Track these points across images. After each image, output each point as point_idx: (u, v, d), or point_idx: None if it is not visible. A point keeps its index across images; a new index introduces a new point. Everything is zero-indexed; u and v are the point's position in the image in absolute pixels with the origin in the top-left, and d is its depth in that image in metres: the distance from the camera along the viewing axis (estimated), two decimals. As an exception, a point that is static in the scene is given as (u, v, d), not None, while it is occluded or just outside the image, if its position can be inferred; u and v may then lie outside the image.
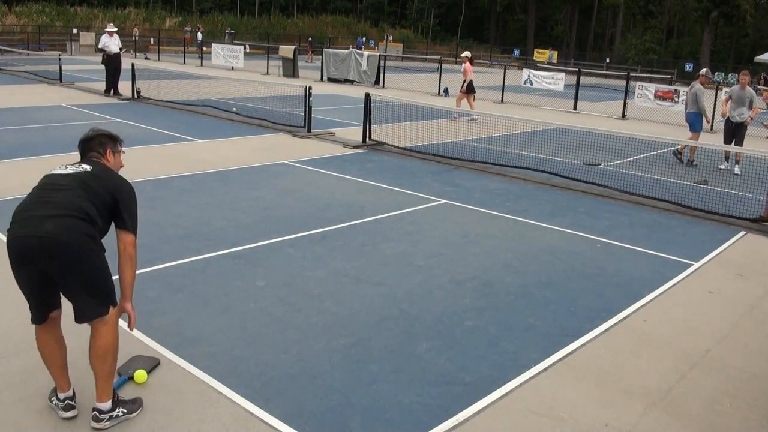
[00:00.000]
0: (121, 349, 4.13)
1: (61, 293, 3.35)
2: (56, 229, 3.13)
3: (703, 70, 13.33)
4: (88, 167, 3.47)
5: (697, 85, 12.72)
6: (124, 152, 3.79)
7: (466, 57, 17.52)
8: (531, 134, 14.77)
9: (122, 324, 4.51)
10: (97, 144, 3.65)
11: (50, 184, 3.36)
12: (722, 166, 11.98)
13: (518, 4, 68.61)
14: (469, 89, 17.01)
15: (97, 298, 3.29)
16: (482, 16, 72.69)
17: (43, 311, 3.35)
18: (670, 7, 64.87)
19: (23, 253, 3.18)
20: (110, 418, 3.36)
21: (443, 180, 9.71)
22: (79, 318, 3.31)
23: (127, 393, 3.69)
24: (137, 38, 38.29)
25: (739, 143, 11.66)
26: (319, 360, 4.20)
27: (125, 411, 3.43)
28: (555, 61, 46.07)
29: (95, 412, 3.34)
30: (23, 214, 3.23)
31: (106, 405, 3.35)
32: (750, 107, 11.68)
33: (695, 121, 12.58)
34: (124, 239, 3.40)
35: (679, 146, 12.69)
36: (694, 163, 12.29)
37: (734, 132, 11.85)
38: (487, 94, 23.90)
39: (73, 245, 3.15)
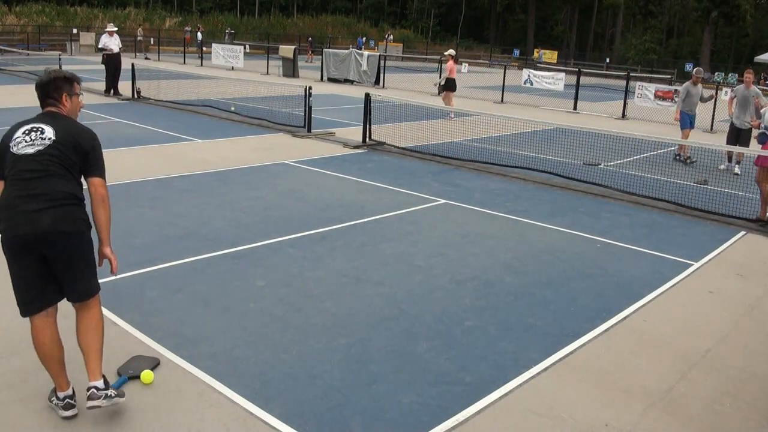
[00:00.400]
0: (121, 349, 4.15)
1: (58, 281, 3.41)
2: (54, 223, 3.25)
3: (694, 69, 13.50)
4: (50, 134, 3.38)
5: (685, 83, 13.02)
6: (82, 94, 3.71)
7: (450, 55, 17.71)
8: (531, 134, 14.77)
9: (124, 326, 4.52)
10: (53, 89, 3.55)
11: (27, 171, 3.30)
12: (722, 167, 11.96)
13: (518, 4, 68.58)
14: (452, 87, 17.20)
15: (93, 276, 3.48)
16: (482, 16, 72.67)
17: (38, 301, 3.39)
18: (670, 7, 64.83)
19: (22, 248, 3.26)
20: (105, 396, 3.37)
21: (443, 180, 9.71)
22: (81, 297, 3.43)
23: (132, 393, 3.69)
24: (142, 38, 38.15)
25: (744, 145, 11.64)
26: (319, 360, 4.20)
27: (115, 393, 3.45)
28: (553, 61, 45.96)
29: (93, 390, 3.36)
30: (13, 210, 3.25)
31: (101, 382, 3.40)
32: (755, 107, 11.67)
33: (681, 119, 12.90)
34: (94, 183, 3.46)
35: (677, 148, 12.79)
36: (690, 160, 12.38)
37: (738, 134, 11.83)
38: (487, 94, 23.91)
39: (72, 233, 3.33)
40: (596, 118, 19.05)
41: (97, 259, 3.53)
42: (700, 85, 12.99)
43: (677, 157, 12.62)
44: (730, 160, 12.07)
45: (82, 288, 3.42)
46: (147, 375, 3.82)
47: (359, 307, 5.04)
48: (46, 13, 44.40)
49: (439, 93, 17.39)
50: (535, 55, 48.61)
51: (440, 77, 17.14)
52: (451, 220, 7.63)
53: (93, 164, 3.47)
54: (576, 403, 3.89)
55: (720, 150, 12.13)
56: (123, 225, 6.70)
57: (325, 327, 4.67)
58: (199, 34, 38.91)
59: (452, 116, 16.33)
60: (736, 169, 11.60)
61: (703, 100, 13.17)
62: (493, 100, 22.20)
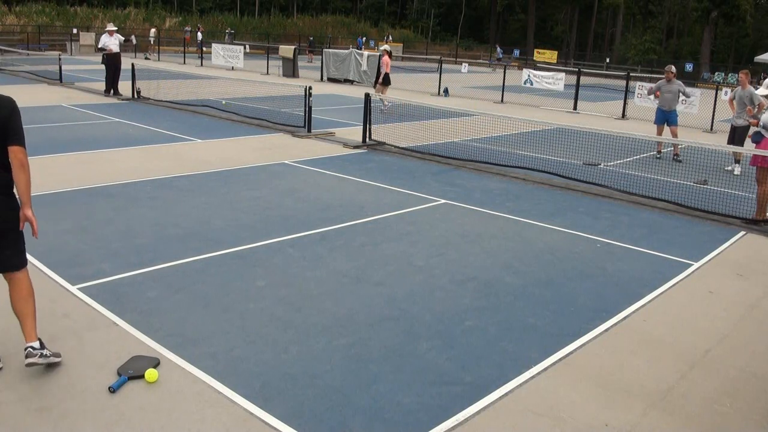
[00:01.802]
0: (121, 349, 4.16)
1: None
2: None
3: (666, 66, 13.71)
4: None
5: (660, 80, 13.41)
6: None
7: (385, 50, 18.38)
8: (531, 134, 14.77)
9: (124, 326, 4.52)
10: None
11: None
12: (729, 168, 11.86)
13: (518, 4, 68.57)
14: (385, 81, 17.81)
15: (23, 251, 3.90)
16: (482, 16, 72.65)
17: None
18: (670, 7, 64.82)
19: None
20: (41, 355, 3.80)
21: (443, 180, 9.71)
22: (13, 267, 3.84)
23: (132, 392, 3.69)
24: (152, 39, 38.01)
25: (738, 144, 11.68)
26: (319, 360, 4.20)
27: (51, 353, 3.87)
28: (553, 61, 45.89)
29: (29, 349, 3.79)
30: None
31: (37, 343, 3.83)
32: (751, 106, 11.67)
33: (655, 115, 13.36)
34: (14, 150, 3.69)
35: (673, 149, 12.81)
36: (659, 155, 12.85)
37: (734, 133, 11.92)
38: (487, 94, 23.92)
39: (12, 224, 3.76)
40: (596, 118, 19.05)
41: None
42: (676, 82, 13.03)
43: (675, 158, 12.64)
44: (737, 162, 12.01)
45: (15, 260, 3.84)
46: (151, 374, 3.83)
47: (359, 307, 5.04)
48: (46, 13, 44.38)
49: (375, 88, 18.02)
50: (537, 56, 48.48)
51: (379, 75, 18.13)
52: (451, 220, 7.63)
53: (12, 131, 3.68)
54: (576, 403, 3.89)
55: (720, 150, 12.11)
56: (123, 225, 6.71)
57: (325, 327, 4.67)
58: (199, 34, 38.77)
59: (387, 105, 16.96)
60: (736, 170, 11.59)
61: (685, 94, 13.35)
62: (493, 100, 22.20)
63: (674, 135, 12.86)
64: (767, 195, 8.25)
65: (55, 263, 5.50)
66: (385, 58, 17.92)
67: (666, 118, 12.98)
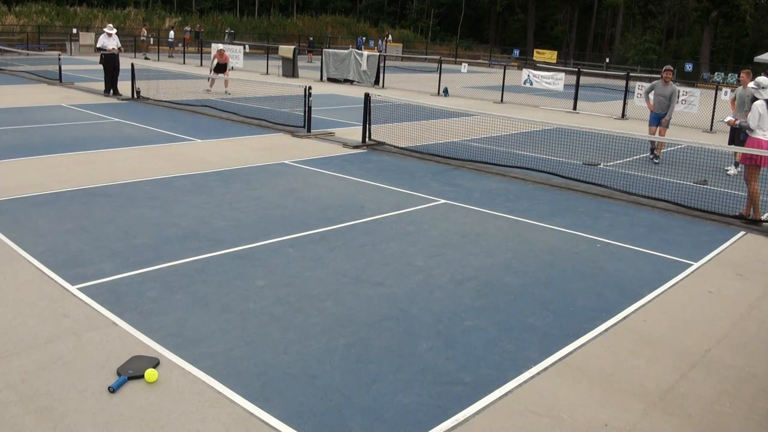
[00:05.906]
0: (121, 349, 4.15)
1: None
2: None
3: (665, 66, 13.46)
4: None
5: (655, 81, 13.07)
6: None
7: (218, 49, 20.90)
8: (531, 134, 14.77)
9: (124, 326, 4.52)
10: None
11: None
12: (727, 168, 11.84)
13: (518, 3, 68.56)
14: (221, 69, 19.89)
15: None
16: (482, 16, 72.64)
17: None
18: (670, 7, 64.84)
19: None
20: None
21: (443, 180, 9.71)
22: None
23: (132, 393, 3.69)
24: (145, 38, 37.93)
25: (738, 144, 11.68)
26: (319, 360, 4.20)
27: None
28: (553, 61, 45.88)
29: None
30: None
31: None
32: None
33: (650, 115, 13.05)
34: None
35: (657, 148, 12.72)
36: (656, 159, 12.51)
37: (733, 134, 11.94)
38: (487, 94, 23.91)
39: None
40: (596, 118, 19.05)
41: None
42: (672, 85, 12.70)
43: (655, 158, 12.45)
44: (736, 165, 11.96)
45: None
46: (151, 374, 3.83)
47: (359, 307, 5.04)
48: (46, 13, 44.36)
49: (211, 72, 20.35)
50: (537, 56, 48.49)
51: (215, 64, 20.26)
52: (450, 220, 7.63)
53: None
54: (575, 403, 3.89)
55: (720, 150, 12.11)
56: (123, 225, 6.71)
57: (325, 327, 4.67)
58: (172, 32, 38.37)
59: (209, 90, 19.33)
60: (731, 171, 11.58)
61: (673, 101, 12.62)
62: (493, 100, 22.20)
63: (661, 133, 12.74)
64: (758, 193, 8.26)
65: (55, 263, 5.50)
66: (225, 54, 20.36)
67: (660, 120, 12.86)
